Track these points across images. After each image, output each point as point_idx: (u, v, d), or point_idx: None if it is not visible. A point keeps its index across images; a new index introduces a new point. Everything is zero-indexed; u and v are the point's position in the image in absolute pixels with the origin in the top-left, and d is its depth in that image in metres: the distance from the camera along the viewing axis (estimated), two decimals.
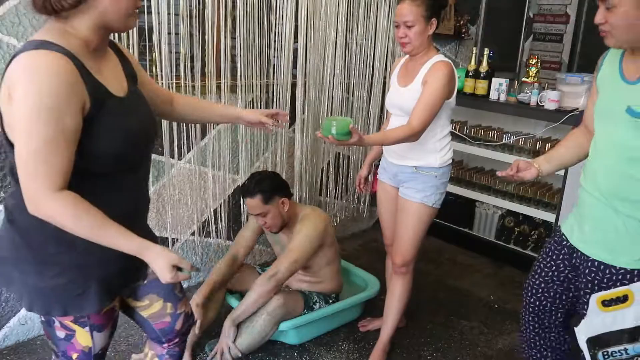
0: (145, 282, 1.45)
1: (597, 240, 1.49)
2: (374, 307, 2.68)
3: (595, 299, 1.45)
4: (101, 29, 1.17)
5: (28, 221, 1.16)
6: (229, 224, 2.90)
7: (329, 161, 3.34)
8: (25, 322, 2.29)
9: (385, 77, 3.38)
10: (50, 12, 1.11)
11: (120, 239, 1.18)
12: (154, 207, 2.55)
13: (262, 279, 2.20)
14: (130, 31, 2.19)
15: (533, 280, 1.70)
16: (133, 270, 1.38)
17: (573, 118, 2.86)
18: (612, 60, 1.47)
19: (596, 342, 1.44)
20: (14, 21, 1.98)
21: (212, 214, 2.82)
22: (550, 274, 1.64)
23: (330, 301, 2.49)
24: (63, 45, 1.10)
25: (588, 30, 4.67)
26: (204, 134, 2.65)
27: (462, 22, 3.96)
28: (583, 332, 1.46)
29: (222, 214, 2.86)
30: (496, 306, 2.85)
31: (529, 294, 1.72)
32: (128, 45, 2.21)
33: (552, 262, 1.63)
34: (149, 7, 2.25)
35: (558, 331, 1.72)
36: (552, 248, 1.65)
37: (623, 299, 1.41)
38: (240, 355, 2.18)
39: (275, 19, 2.76)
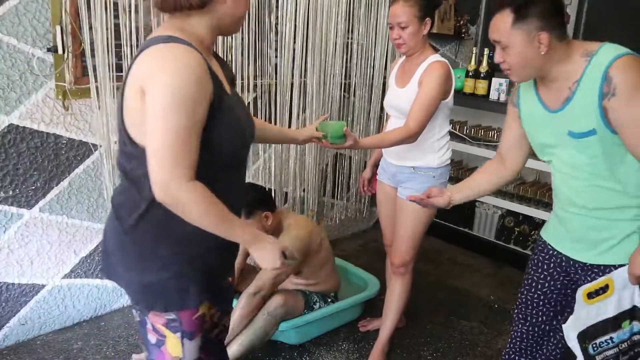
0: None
1: (588, 247, 1.50)
2: (373, 307, 2.68)
3: (581, 292, 1.47)
4: (215, 30, 1.22)
5: (134, 218, 1.20)
6: None
7: (329, 161, 3.34)
8: (25, 322, 2.29)
9: (385, 77, 3.38)
10: (177, 9, 1.16)
11: (240, 229, 1.23)
12: None
13: (246, 297, 2.17)
14: (130, 31, 2.20)
15: (530, 294, 1.67)
16: (223, 270, 1.40)
17: None
18: (528, 96, 1.52)
19: (585, 336, 1.47)
20: (14, 21, 1.98)
21: None
22: (547, 284, 1.63)
23: (329, 300, 2.48)
24: (187, 40, 1.13)
25: (588, 31, 4.66)
26: None
27: (462, 22, 3.96)
28: (572, 328, 1.49)
29: None
30: (496, 306, 2.85)
31: (530, 307, 1.68)
32: (129, 45, 2.21)
33: (546, 273, 1.62)
34: (149, 7, 2.25)
35: (557, 336, 1.72)
36: (541, 259, 1.64)
37: (605, 288, 1.44)
38: None
39: (276, 19, 2.76)
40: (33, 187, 2.17)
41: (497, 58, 1.41)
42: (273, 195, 3.04)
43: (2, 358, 2.18)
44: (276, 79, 2.86)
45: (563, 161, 1.48)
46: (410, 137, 1.97)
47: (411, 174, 2.15)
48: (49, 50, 2.07)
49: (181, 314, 1.27)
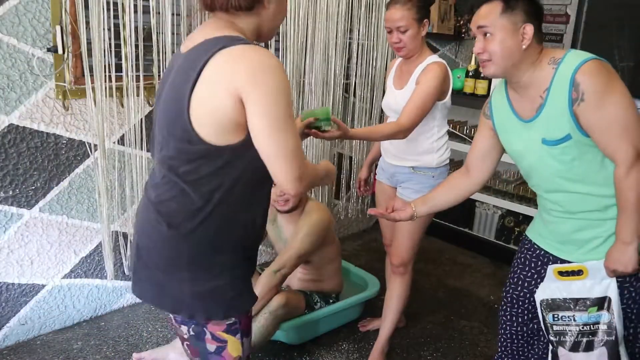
0: None
1: (575, 248, 1.52)
2: (374, 307, 2.68)
3: (552, 269, 1.52)
4: (255, 35, 1.23)
5: (195, 222, 1.17)
6: None
7: (330, 161, 3.34)
8: (25, 322, 2.29)
9: (386, 77, 3.38)
10: (228, 9, 1.17)
11: (324, 171, 1.40)
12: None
13: (267, 274, 2.18)
14: (130, 31, 2.19)
15: (517, 292, 1.67)
16: None
17: None
18: (500, 106, 1.56)
19: (548, 305, 1.53)
20: (14, 21, 1.97)
21: None
22: (533, 282, 1.63)
23: (331, 301, 2.48)
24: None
25: (588, 30, 4.67)
26: None
27: (462, 22, 3.96)
28: (540, 294, 1.55)
29: None
30: (496, 306, 2.85)
31: (516, 306, 1.69)
32: (129, 44, 2.21)
33: (533, 271, 1.63)
34: (148, 6, 2.25)
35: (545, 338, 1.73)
36: (528, 256, 1.65)
37: (577, 272, 1.49)
38: None
39: None
40: (33, 187, 2.17)
41: (478, 48, 1.42)
42: None
43: (2, 358, 2.18)
44: None
45: (539, 171, 1.51)
46: (401, 133, 1.95)
47: (410, 174, 2.16)
48: (49, 50, 2.07)
49: (240, 317, 1.27)
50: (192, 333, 1.28)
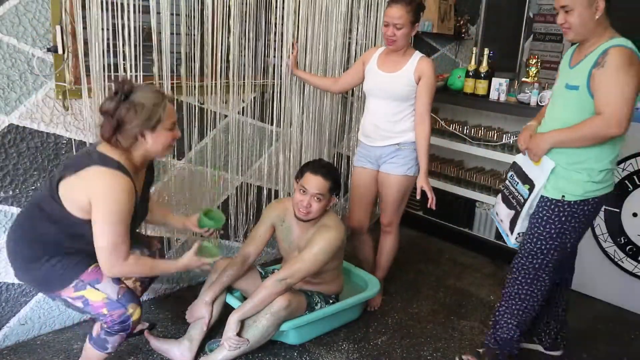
0: None
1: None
2: None
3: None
4: (145, 158, 1.80)
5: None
6: (229, 223, 2.90)
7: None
8: (25, 322, 2.29)
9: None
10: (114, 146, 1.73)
11: (168, 266, 1.96)
12: None
13: (273, 281, 2.19)
14: (130, 31, 2.20)
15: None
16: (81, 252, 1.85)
17: None
18: (568, 54, 2.05)
19: (514, 167, 2.18)
20: (14, 21, 1.98)
21: None
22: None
23: (331, 301, 2.48)
24: (122, 164, 1.72)
25: None
26: (204, 134, 2.65)
27: (462, 22, 3.96)
28: (516, 159, 2.20)
29: None
30: (497, 306, 2.85)
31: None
32: (128, 45, 2.22)
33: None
34: (147, 6, 2.25)
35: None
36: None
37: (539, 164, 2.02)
38: (248, 343, 2.18)
39: (275, 19, 2.76)
40: (33, 187, 2.17)
41: (560, 19, 1.88)
42: (273, 194, 3.05)
43: (2, 358, 2.18)
44: (275, 79, 2.86)
45: (552, 103, 2.05)
46: (426, 120, 2.51)
47: (396, 151, 2.54)
48: (49, 50, 2.07)
49: (75, 280, 1.77)
50: (60, 303, 1.88)
